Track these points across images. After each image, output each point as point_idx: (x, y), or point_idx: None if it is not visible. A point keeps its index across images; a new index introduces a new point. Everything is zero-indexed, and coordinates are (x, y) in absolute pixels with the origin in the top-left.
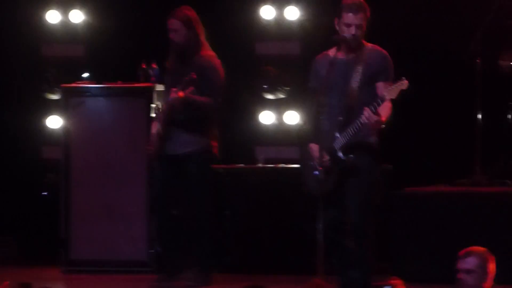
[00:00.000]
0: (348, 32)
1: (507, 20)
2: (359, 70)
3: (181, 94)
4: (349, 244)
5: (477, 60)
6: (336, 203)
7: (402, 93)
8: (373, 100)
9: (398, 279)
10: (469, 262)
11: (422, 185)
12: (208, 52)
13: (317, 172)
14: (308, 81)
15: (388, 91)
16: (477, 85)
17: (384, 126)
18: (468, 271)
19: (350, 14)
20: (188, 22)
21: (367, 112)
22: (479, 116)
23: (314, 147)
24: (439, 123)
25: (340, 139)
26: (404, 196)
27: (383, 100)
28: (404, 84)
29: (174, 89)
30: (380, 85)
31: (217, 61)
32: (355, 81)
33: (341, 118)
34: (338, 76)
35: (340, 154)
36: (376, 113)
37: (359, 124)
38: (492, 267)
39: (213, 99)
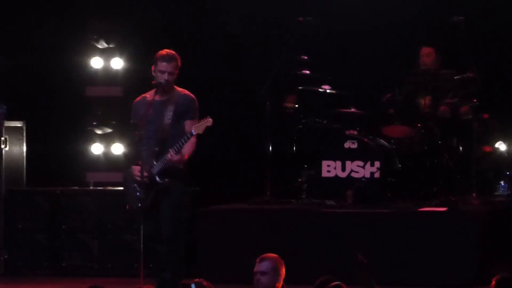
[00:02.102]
0: (162, 78)
1: (291, 71)
2: (171, 109)
3: None
4: (163, 251)
5: (268, 102)
6: (153, 217)
7: (208, 129)
8: (183, 134)
9: (202, 279)
10: (264, 266)
11: (223, 203)
12: None
13: (138, 193)
14: (130, 119)
15: (195, 128)
16: (267, 122)
17: (186, 161)
18: (263, 273)
19: (164, 63)
20: None
21: (170, 153)
22: (269, 147)
23: (136, 168)
24: (237, 153)
25: (156, 166)
26: (209, 212)
27: (191, 135)
28: (209, 121)
29: None
30: (187, 123)
31: None
32: (168, 118)
33: (157, 148)
34: (154, 114)
35: (157, 178)
36: (178, 152)
37: (166, 160)
38: (283, 270)
39: None
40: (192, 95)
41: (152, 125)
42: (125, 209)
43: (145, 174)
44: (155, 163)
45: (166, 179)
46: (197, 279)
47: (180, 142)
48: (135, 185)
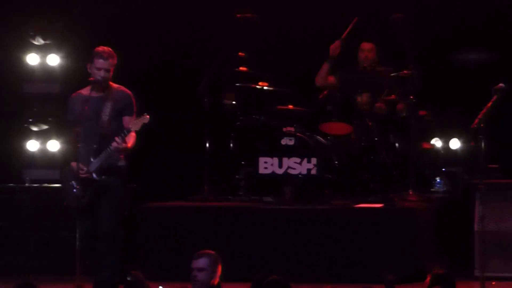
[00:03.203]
0: (99, 75)
1: (228, 68)
2: (108, 105)
3: None
4: (101, 249)
5: (206, 99)
6: (91, 215)
7: (144, 125)
8: (121, 130)
9: (138, 271)
10: (201, 262)
11: (162, 200)
12: None
13: (75, 190)
14: (66, 115)
15: (133, 124)
16: (205, 118)
17: (129, 151)
18: (200, 270)
19: (101, 60)
20: None
21: (116, 141)
22: (207, 143)
23: (74, 165)
24: (176, 150)
25: (94, 163)
26: (147, 209)
27: (129, 131)
28: (146, 118)
29: None
30: (126, 119)
31: None
32: (106, 114)
33: (95, 145)
34: (91, 111)
35: (94, 175)
36: (123, 141)
37: (110, 149)
38: (219, 266)
39: None
40: (129, 91)
41: (90, 122)
42: (62, 206)
43: (85, 169)
44: (92, 160)
45: (103, 176)
46: (133, 271)
47: (123, 133)
48: (73, 182)
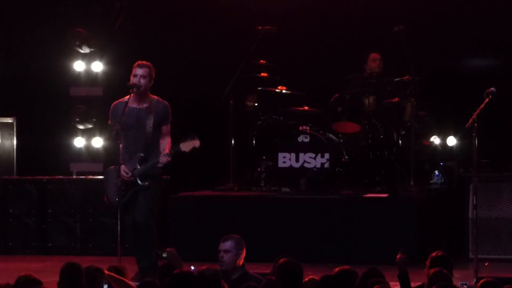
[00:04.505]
0: (136, 80)
1: (250, 74)
2: (151, 117)
3: None
4: (139, 236)
5: (231, 101)
6: (131, 210)
7: (195, 149)
8: (160, 138)
9: (173, 249)
10: (227, 245)
11: (191, 190)
12: None
13: (118, 189)
14: (109, 120)
15: (183, 145)
16: (230, 119)
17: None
18: (226, 251)
19: (138, 68)
20: None
21: (165, 157)
22: (232, 141)
23: (123, 168)
24: (204, 146)
25: (139, 170)
26: (179, 198)
27: (179, 150)
28: (196, 143)
29: None
30: (164, 128)
31: None
32: (149, 126)
33: (142, 154)
34: (134, 120)
35: (139, 181)
36: (171, 156)
37: (157, 161)
38: (244, 249)
39: None
40: (166, 102)
41: (133, 131)
42: (104, 195)
43: (129, 173)
44: (138, 167)
45: (147, 182)
46: (169, 249)
47: (171, 151)
48: (116, 181)
